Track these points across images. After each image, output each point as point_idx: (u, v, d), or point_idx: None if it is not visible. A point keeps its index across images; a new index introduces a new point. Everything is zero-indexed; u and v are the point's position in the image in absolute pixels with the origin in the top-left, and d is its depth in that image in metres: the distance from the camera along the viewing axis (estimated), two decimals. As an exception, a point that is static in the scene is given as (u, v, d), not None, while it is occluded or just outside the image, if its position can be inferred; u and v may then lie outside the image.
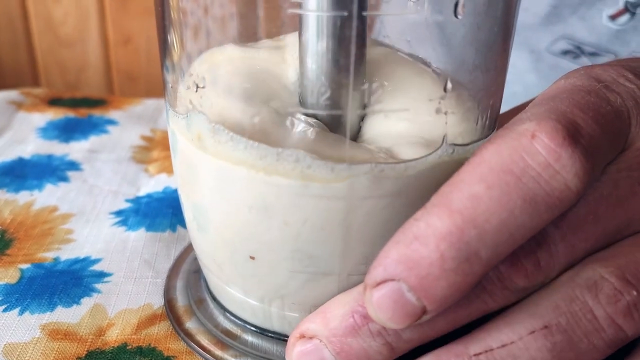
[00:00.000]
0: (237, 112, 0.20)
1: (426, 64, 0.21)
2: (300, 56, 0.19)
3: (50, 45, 0.66)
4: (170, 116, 0.23)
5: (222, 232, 0.22)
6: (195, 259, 0.29)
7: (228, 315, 0.25)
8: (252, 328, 0.24)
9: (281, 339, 0.24)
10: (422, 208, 0.17)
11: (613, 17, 0.41)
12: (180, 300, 0.26)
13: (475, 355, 0.18)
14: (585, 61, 0.44)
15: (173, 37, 0.22)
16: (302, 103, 0.19)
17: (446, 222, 0.16)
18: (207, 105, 0.20)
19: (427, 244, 0.16)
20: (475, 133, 0.20)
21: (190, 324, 0.25)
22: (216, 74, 0.21)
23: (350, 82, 0.18)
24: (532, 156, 0.17)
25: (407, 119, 0.19)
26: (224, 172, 0.20)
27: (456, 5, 0.18)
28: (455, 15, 0.18)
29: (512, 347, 0.18)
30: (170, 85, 0.23)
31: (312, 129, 0.19)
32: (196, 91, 0.20)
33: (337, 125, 0.19)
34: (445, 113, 0.19)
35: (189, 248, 0.30)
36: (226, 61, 0.21)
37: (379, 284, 0.17)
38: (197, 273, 0.28)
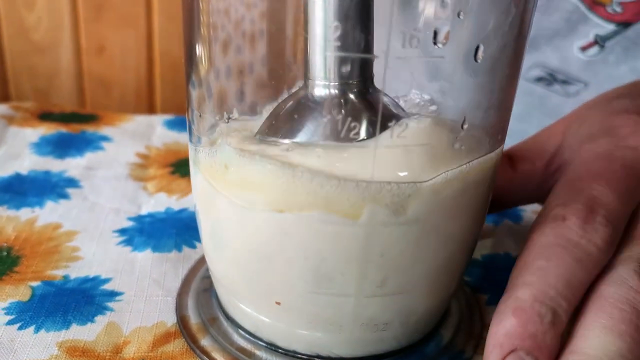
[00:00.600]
0: (263, 144, 0.21)
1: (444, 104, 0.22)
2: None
3: (22, 51, 0.66)
4: (194, 136, 0.24)
5: (239, 259, 0.23)
6: (204, 277, 0.30)
7: (242, 332, 0.26)
8: (266, 345, 0.25)
9: (295, 356, 0.25)
10: (504, 293, 0.23)
11: (583, 49, 0.44)
12: (193, 318, 0.27)
13: None
14: (557, 88, 0.46)
15: (201, 52, 0.23)
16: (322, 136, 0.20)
17: (527, 292, 0.22)
18: (235, 134, 0.21)
19: (525, 312, 0.21)
20: (485, 164, 0.22)
21: (205, 342, 0.26)
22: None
23: (379, 120, 0.19)
24: (568, 233, 0.23)
25: (426, 152, 0.20)
26: (244, 214, 0.21)
27: (477, 50, 0.19)
28: (475, 60, 0.19)
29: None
30: (196, 101, 0.24)
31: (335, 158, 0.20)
32: (227, 122, 0.21)
33: (363, 157, 0.20)
34: (461, 147, 0.21)
35: (196, 267, 0.31)
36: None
37: None
38: (207, 292, 0.29)
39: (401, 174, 0.20)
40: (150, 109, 0.71)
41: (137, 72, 0.69)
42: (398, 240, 0.21)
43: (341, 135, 0.19)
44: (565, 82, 0.46)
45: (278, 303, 0.23)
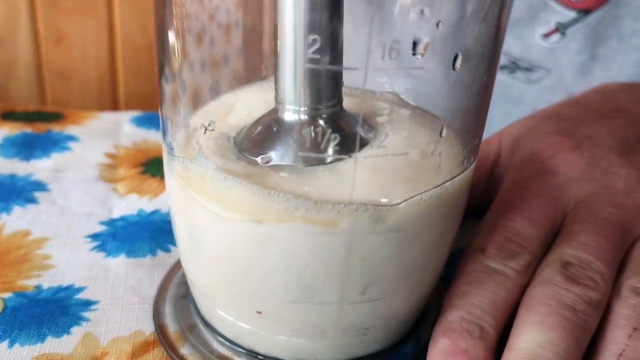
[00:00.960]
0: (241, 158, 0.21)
1: (422, 109, 0.22)
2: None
3: (-26, 42, 0.64)
4: (167, 140, 0.23)
5: (218, 266, 0.23)
6: (181, 283, 0.30)
7: (221, 339, 0.26)
8: (246, 352, 0.25)
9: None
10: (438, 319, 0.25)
11: (545, 36, 0.45)
12: (172, 327, 0.27)
13: None
14: (520, 75, 0.47)
15: (174, 44, 0.22)
16: (309, 148, 0.20)
17: (455, 314, 0.24)
18: (213, 147, 0.21)
19: (454, 331, 0.23)
20: (461, 168, 0.22)
21: (184, 350, 0.26)
22: (223, 120, 0.21)
23: (357, 143, 0.19)
24: (487, 261, 0.26)
25: (405, 160, 0.20)
26: (223, 218, 0.21)
27: (455, 59, 0.19)
28: (454, 68, 0.19)
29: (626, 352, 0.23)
30: (169, 95, 0.23)
31: (316, 172, 0.20)
32: (204, 133, 0.21)
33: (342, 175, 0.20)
34: (440, 154, 0.21)
35: (172, 273, 0.31)
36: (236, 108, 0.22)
37: None
38: (184, 298, 0.28)
39: (379, 194, 0.20)
40: (114, 100, 0.70)
41: (99, 62, 0.67)
42: (379, 248, 0.21)
43: (321, 148, 0.19)
44: (527, 69, 0.46)
45: (259, 312, 0.23)
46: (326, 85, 0.20)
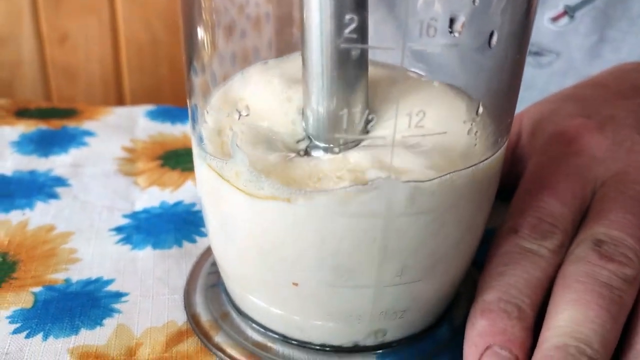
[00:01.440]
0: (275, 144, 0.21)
1: (457, 88, 0.22)
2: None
3: (-21, 42, 0.64)
4: (197, 139, 0.23)
5: (251, 253, 0.23)
6: (210, 273, 0.30)
7: (254, 326, 0.26)
8: (280, 337, 0.25)
9: (310, 347, 0.25)
10: (474, 300, 0.25)
11: (554, 19, 0.45)
12: (204, 316, 0.27)
13: None
14: (529, 60, 0.47)
15: (203, 36, 0.22)
16: (345, 131, 0.20)
17: (492, 295, 0.24)
18: (248, 133, 0.21)
19: (492, 312, 0.23)
20: (494, 148, 0.22)
21: (218, 338, 0.26)
22: (258, 104, 0.21)
23: (397, 106, 0.19)
24: (521, 241, 0.26)
25: (442, 140, 0.20)
26: (260, 203, 0.21)
27: (491, 36, 0.19)
28: (489, 46, 0.19)
29: None
30: (199, 88, 0.23)
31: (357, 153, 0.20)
32: (238, 119, 0.21)
33: (379, 150, 0.20)
34: (475, 134, 0.21)
35: (200, 263, 0.31)
36: (268, 86, 0.22)
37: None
38: (215, 287, 0.28)
39: (416, 174, 0.20)
40: (119, 97, 0.70)
41: (103, 60, 0.67)
42: (415, 229, 0.21)
43: (358, 130, 0.19)
44: (537, 53, 0.46)
45: (295, 284, 0.22)
46: (357, 66, 0.20)
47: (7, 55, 0.65)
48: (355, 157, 0.20)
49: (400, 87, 0.20)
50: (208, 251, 0.31)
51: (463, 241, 0.23)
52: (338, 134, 0.20)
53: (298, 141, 0.21)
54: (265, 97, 0.22)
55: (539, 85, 0.47)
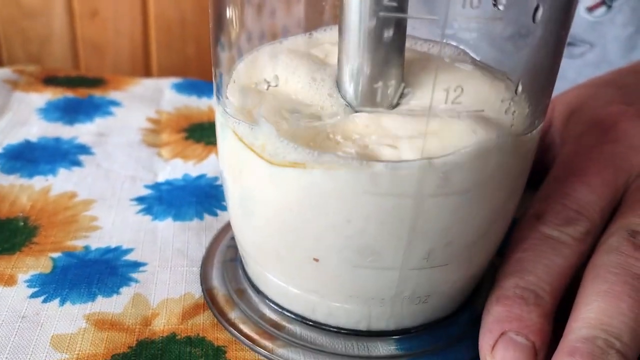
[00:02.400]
0: (304, 109, 0.20)
1: (498, 68, 0.21)
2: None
3: (12, 16, 0.64)
4: (222, 106, 0.23)
5: (273, 229, 0.22)
6: (229, 247, 0.29)
7: (271, 304, 0.25)
8: (297, 318, 0.25)
9: (326, 328, 0.24)
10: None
11: (590, 9, 0.43)
12: (220, 290, 0.27)
13: None
14: (562, 51, 0.45)
15: (232, 14, 0.21)
16: (379, 104, 0.20)
17: (509, 281, 0.23)
18: (274, 102, 0.20)
19: (508, 298, 0.22)
20: (531, 129, 0.21)
21: (233, 314, 0.25)
22: (289, 73, 0.21)
23: (435, 81, 0.18)
24: (542, 227, 0.25)
25: (479, 118, 0.19)
26: (284, 172, 0.20)
27: (535, 10, 0.18)
28: (533, 20, 0.18)
29: None
30: (226, 64, 0.22)
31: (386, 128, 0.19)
32: (267, 89, 0.20)
33: (414, 125, 0.19)
34: (513, 113, 0.20)
35: (220, 236, 0.30)
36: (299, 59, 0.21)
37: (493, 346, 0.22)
38: (233, 262, 0.28)
39: (451, 147, 0.19)
40: (147, 74, 0.70)
41: (132, 36, 0.67)
42: (445, 211, 0.20)
43: (393, 103, 0.18)
44: (570, 43, 0.45)
45: (316, 260, 0.22)
46: (395, 36, 0.19)
47: (38, 29, 0.65)
48: (389, 124, 0.19)
49: (439, 62, 0.19)
50: (229, 225, 0.31)
51: (492, 226, 0.22)
52: (371, 106, 0.19)
53: (328, 114, 0.20)
54: (295, 70, 0.22)
55: (570, 76, 0.46)
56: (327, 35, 0.23)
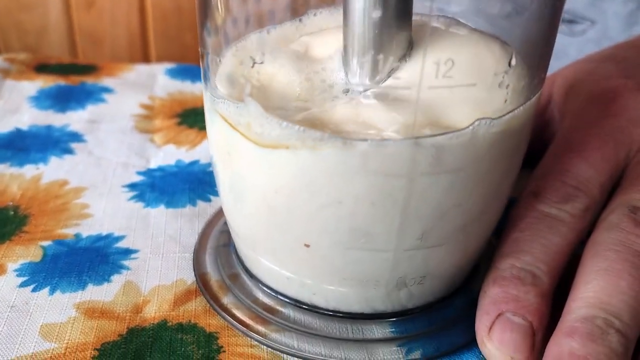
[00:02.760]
0: (292, 88, 0.20)
1: (490, 37, 0.20)
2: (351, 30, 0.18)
3: (8, 8, 0.63)
4: (209, 88, 0.22)
5: (264, 212, 0.22)
6: (222, 232, 0.29)
7: (264, 288, 0.25)
8: (290, 301, 0.24)
9: (320, 312, 0.24)
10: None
11: None
12: (213, 276, 0.26)
13: None
14: (563, 28, 0.44)
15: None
16: (368, 78, 0.19)
17: (505, 262, 0.23)
18: (263, 81, 0.20)
19: (505, 279, 0.22)
20: (528, 110, 0.20)
21: (226, 300, 0.25)
22: (277, 50, 0.20)
23: (425, 53, 0.17)
24: (539, 205, 0.24)
25: (471, 92, 0.19)
26: (272, 155, 0.20)
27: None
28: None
29: None
30: (212, 50, 0.22)
31: (376, 103, 0.18)
32: (252, 67, 0.20)
33: (403, 101, 0.18)
34: (507, 87, 0.19)
35: (213, 222, 0.30)
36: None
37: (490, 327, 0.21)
38: (226, 247, 0.28)
39: (444, 124, 0.19)
40: (145, 63, 0.69)
41: (129, 26, 0.66)
42: (438, 190, 0.19)
43: (382, 77, 0.18)
44: (571, 21, 0.44)
45: (307, 245, 0.21)
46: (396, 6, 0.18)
47: (34, 20, 0.64)
48: (376, 110, 0.18)
49: (429, 32, 0.18)
50: (221, 211, 0.30)
51: (487, 206, 0.22)
52: (359, 80, 0.18)
53: (315, 91, 0.19)
54: (282, 48, 0.21)
55: (571, 54, 0.45)
56: (317, 20, 0.23)
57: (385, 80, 0.18)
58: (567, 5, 0.43)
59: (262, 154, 0.20)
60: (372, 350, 0.23)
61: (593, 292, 0.21)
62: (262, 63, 0.20)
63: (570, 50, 0.45)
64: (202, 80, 0.23)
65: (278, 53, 0.21)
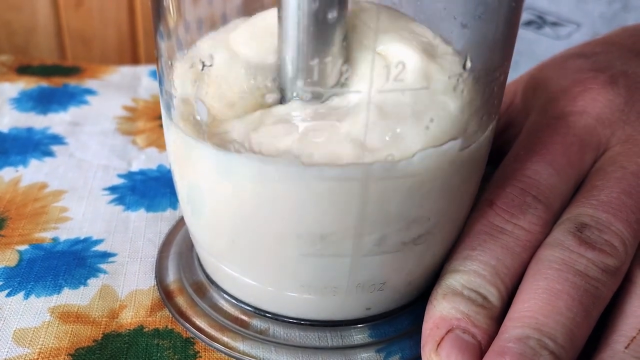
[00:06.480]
0: (244, 92, 0.19)
1: (445, 41, 0.20)
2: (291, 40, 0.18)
3: (-5, 7, 0.63)
4: (165, 93, 0.22)
5: (222, 219, 0.21)
6: (186, 238, 0.28)
7: (227, 297, 0.24)
8: (253, 310, 0.24)
9: (285, 320, 0.23)
10: (437, 282, 0.23)
11: None
12: (174, 284, 0.25)
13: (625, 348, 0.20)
14: (548, 31, 0.44)
15: (169, 1, 0.20)
16: (311, 83, 0.18)
17: (456, 280, 0.22)
18: (213, 85, 0.19)
19: (456, 295, 0.21)
20: (482, 113, 0.20)
21: (189, 310, 0.24)
22: (225, 54, 0.19)
23: (373, 59, 0.17)
24: (494, 219, 0.23)
25: (424, 97, 0.18)
26: (224, 158, 0.19)
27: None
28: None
29: None
30: (165, 53, 0.21)
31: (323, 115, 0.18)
32: (202, 70, 0.19)
33: (352, 107, 0.18)
34: (462, 91, 0.19)
35: (178, 226, 0.29)
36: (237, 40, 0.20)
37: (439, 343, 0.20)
38: (189, 253, 0.27)
39: (394, 142, 0.18)
40: (135, 63, 0.69)
41: (118, 26, 0.66)
42: (397, 195, 0.19)
43: (331, 83, 0.17)
44: (555, 24, 0.44)
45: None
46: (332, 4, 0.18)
47: (23, 21, 0.64)
48: (325, 117, 0.18)
49: (379, 32, 0.18)
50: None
51: (447, 211, 0.21)
52: (308, 86, 0.18)
53: (264, 95, 0.19)
54: (231, 51, 0.21)
55: None
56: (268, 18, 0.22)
57: (335, 85, 0.18)
58: (551, 8, 0.43)
59: (216, 161, 0.20)
60: (351, 357, 0.22)
61: (530, 311, 0.20)
62: (211, 66, 0.19)
63: (555, 53, 0.45)
64: (159, 91, 0.23)
65: (227, 55, 0.20)
